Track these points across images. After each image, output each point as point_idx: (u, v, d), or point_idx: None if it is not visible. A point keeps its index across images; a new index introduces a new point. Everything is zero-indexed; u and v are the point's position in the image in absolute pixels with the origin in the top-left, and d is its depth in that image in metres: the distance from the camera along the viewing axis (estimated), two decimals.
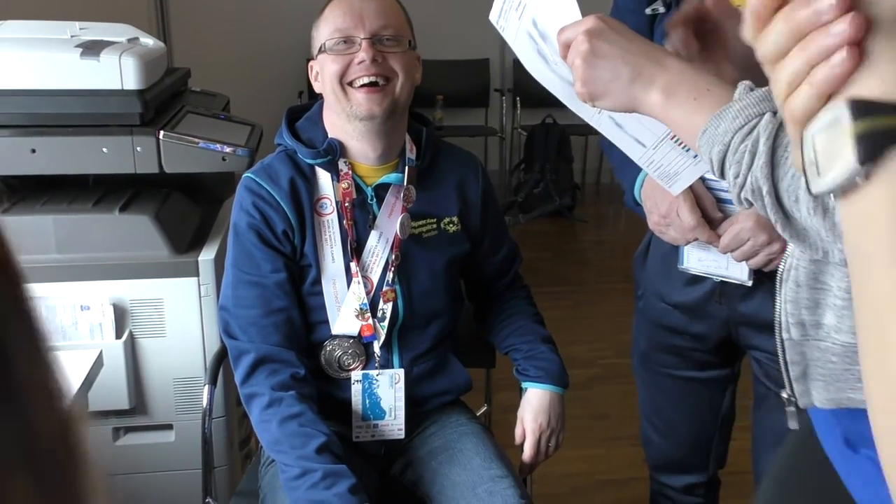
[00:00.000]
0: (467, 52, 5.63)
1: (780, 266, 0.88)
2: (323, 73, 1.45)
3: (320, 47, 1.44)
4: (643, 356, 1.63)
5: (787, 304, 0.87)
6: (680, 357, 1.56)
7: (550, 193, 5.25)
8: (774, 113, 0.75)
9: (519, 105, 5.58)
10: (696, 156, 0.98)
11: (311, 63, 1.49)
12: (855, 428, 0.87)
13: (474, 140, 5.50)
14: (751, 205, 0.79)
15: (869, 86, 0.43)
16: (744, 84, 0.80)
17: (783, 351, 0.88)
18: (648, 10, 1.40)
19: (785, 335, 0.88)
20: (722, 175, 0.80)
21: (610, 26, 0.88)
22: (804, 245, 0.77)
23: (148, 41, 2.02)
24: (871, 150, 0.41)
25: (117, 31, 2.02)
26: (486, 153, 5.78)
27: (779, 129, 0.74)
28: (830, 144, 0.43)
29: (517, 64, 5.14)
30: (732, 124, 0.77)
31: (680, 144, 1.00)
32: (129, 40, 1.95)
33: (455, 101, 5.54)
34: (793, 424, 0.95)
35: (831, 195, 0.44)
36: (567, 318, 3.59)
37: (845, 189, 0.43)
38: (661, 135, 1.00)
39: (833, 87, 0.44)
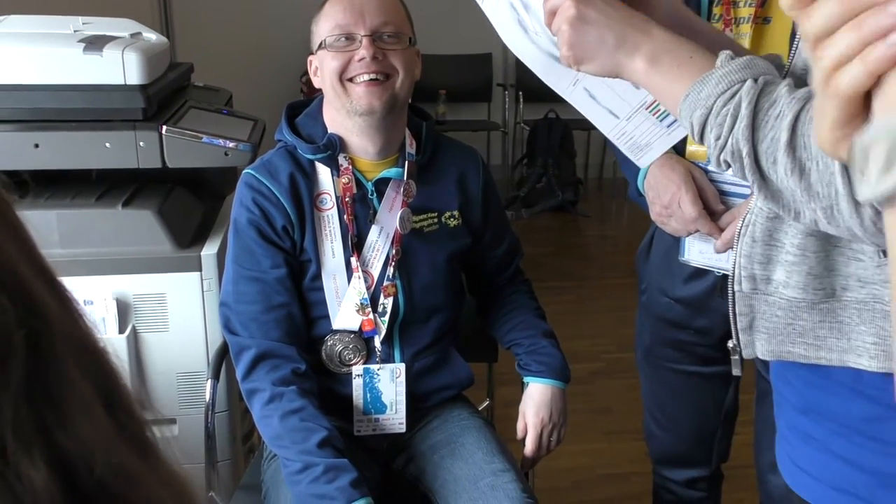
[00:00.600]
0: (470, 47, 5.62)
1: (739, 222, 0.91)
2: (323, 69, 1.45)
3: (320, 43, 1.44)
4: (647, 351, 1.64)
5: (741, 258, 0.91)
6: (683, 352, 1.56)
7: (553, 188, 5.25)
8: (755, 80, 0.78)
9: (521, 100, 5.57)
10: (669, 125, 1.00)
11: (310, 58, 1.49)
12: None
13: (477, 135, 5.50)
14: (728, 166, 0.81)
15: None
16: (725, 53, 0.82)
17: (733, 302, 0.93)
18: None
19: (736, 287, 0.92)
20: (701, 139, 0.82)
21: None
22: (778, 205, 0.80)
23: (151, 36, 2.02)
24: None
25: (120, 26, 2.02)
26: (489, 148, 5.78)
27: (760, 94, 0.77)
28: (885, 153, 0.42)
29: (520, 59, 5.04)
30: (715, 89, 0.79)
31: (654, 114, 1.01)
32: (133, 35, 1.95)
33: (458, 96, 5.53)
34: (736, 371, 1.00)
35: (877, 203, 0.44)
36: (570, 312, 3.60)
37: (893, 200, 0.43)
38: (636, 104, 1.00)
39: (887, 66, 0.45)
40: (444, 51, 5.50)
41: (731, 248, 1.29)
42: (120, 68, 1.72)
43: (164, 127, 1.75)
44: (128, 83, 1.73)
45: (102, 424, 0.39)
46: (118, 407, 0.42)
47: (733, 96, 0.78)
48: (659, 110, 1.00)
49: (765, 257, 0.89)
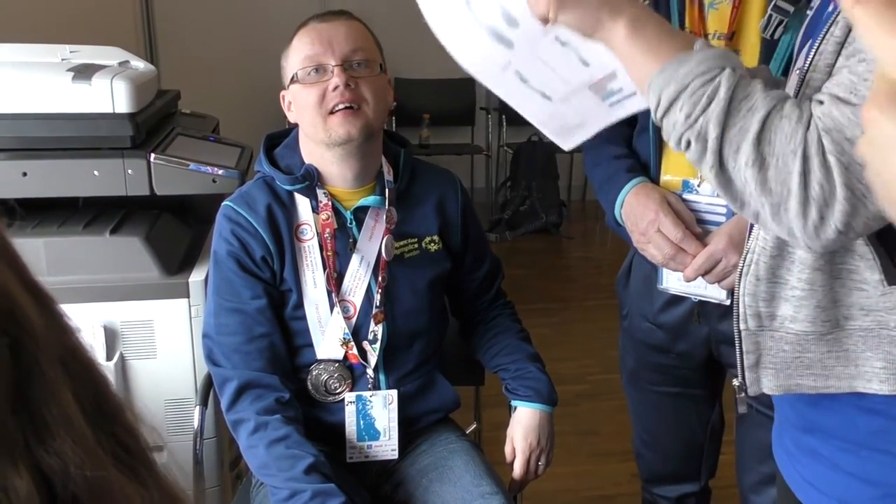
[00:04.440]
0: (452, 72, 5.60)
1: (741, 262, 0.93)
2: (298, 103, 1.46)
3: (292, 77, 1.45)
4: (631, 374, 1.66)
5: (745, 296, 0.93)
6: (666, 374, 1.59)
7: (537, 210, 5.29)
8: (734, 69, 0.81)
9: (504, 123, 5.62)
10: (611, 104, 0.97)
11: (282, 93, 1.50)
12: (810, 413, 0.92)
13: (461, 158, 5.53)
14: (687, 147, 0.83)
15: None
16: (700, 40, 0.86)
17: (739, 341, 0.93)
18: None
19: (742, 326, 0.94)
20: (665, 114, 0.83)
21: None
22: (726, 194, 0.83)
23: (139, 64, 2.04)
24: None
25: (108, 55, 2.04)
26: (473, 171, 5.82)
27: (737, 85, 0.80)
28: None
29: None
30: (696, 69, 0.81)
31: (598, 92, 0.97)
32: (121, 63, 1.96)
33: (441, 120, 5.57)
34: (742, 409, 1.02)
35: None
36: (555, 334, 3.61)
37: None
38: (578, 84, 0.96)
39: None
40: (428, 76, 5.54)
41: (702, 275, 1.32)
42: (109, 97, 1.74)
43: (153, 154, 1.76)
44: (116, 111, 1.75)
45: (83, 438, 0.39)
46: (105, 418, 0.43)
47: (712, 80, 0.80)
48: (605, 89, 0.96)
49: (769, 294, 0.90)
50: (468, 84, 5.80)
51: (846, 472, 0.89)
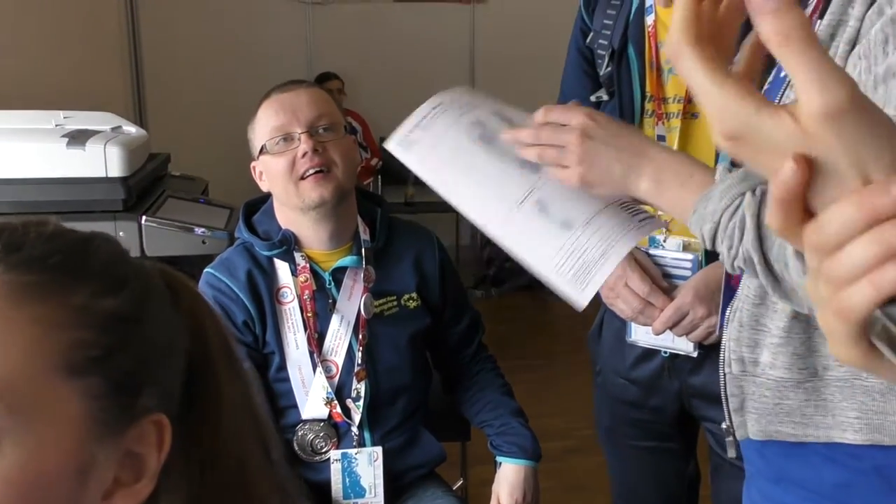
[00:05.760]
0: None
1: (728, 308, 0.97)
2: (269, 172, 1.50)
3: (261, 148, 1.50)
4: (607, 430, 1.68)
5: (730, 342, 0.96)
6: (642, 429, 1.60)
7: (521, 267, 5.33)
8: (753, 191, 0.84)
9: None
10: (641, 220, 0.98)
11: (253, 164, 1.55)
12: (782, 463, 0.95)
13: (446, 215, 5.59)
14: (743, 271, 0.87)
15: None
16: (721, 166, 0.89)
17: (724, 385, 0.97)
18: (593, 98, 1.49)
19: (727, 369, 0.97)
20: (713, 247, 0.88)
21: (598, 123, 0.96)
22: (793, 303, 0.85)
23: (131, 129, 2.10)
24: None
25: (101, 120, 2.09)
26: (458, 228, 5.88)
27: (760, 205, 0.83)
28: None
29: None
30: (719, 204, 0.86)
31: (626, 210, 0.97)
32: (113, 129, 2.02)
33: None
34: (731, 453, 1.04)
35: None
36: (541, 390, 3.63)
37: None
38: (607, 201, 0.96)
39: None
40: None
41: (671, 328, 1.36)
42: (102, 162, 1.79)
43: (144, 217, 1.81)
44: (109, 175, 1.80)
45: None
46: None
47: (736, 210, 0.84)
48: (635, 205, 0.97)
49: (752, 341, 0.94)
50: None
51: None
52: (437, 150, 1.00)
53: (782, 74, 0.92)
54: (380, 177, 5.55)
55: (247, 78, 5.55)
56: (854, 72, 0.80)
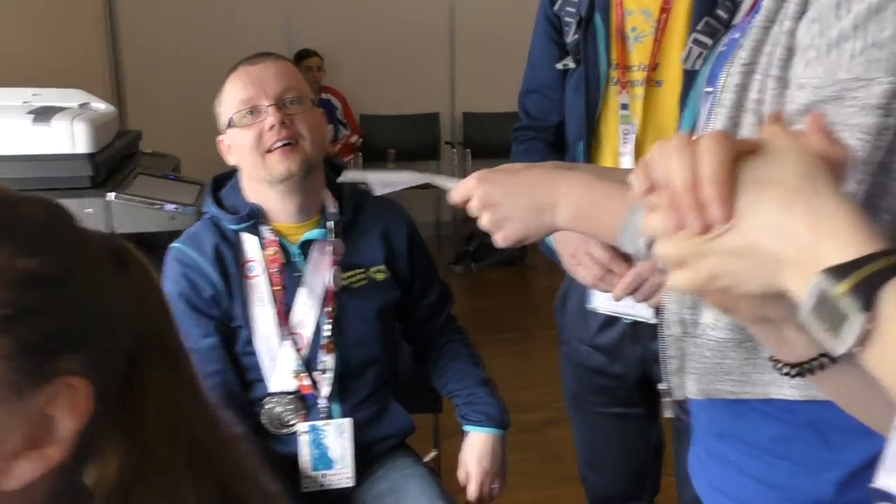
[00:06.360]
0: (417, 107, 5.77)
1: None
2: (236, 145, 1.50)
3: (228, 122, 1.50)
4: (573, 397, 1.71)
5: (671, 304, 0.98)
6: (606, 396, 1.64)
7: None
8: None
9: (470, 157, 5.71)
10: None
11: (219, 138, 1.54)
12: (724, 419, 0.97)
13: (427, 192, 5.57)
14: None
15: (830, 255, 0.48)
16: (636, 171, 0.90)
17: (664, 347, 0.98)
18: (559, 66, 1.51)
19: (667, 332, 0.99)
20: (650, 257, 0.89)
21: (493, 183, 0.94)
22: None
23: (100, 105, 2.09)
24: (867, 295, 0.46)
25: (69, 97, 2.08)
26: (440, 204, 5.89)
27: None
28: (831, 314, 0.47)
29: (467, 117, 5.32)
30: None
31: None
32: (81, 105, 2.01)
33: (407, 155, 5.65)
34: (668, 413, 1.07)
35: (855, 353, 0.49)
36: (520, 363, 3.66)
37: (864, 340, 0.47)
38: None
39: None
40: (392, 111, 5.64)
41: (631, 294, 1.38)
42: (69, 138, 1.79)
43: (112, 194, 1.81)
44: (76, 152, 1.79)
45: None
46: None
47: None
48: None
49: (693, 302, 0.95)
50: (432, 119, 5.91)
51: (750, 477, 0.95)
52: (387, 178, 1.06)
53: (736, 36, 0.93)
54: (360, 154, 5.56)
55: (226, 55, 5.48)
56: (806, 35, 0.82)
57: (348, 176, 1.13)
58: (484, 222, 0.95)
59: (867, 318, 0.46)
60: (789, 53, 0.83)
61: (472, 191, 0.94)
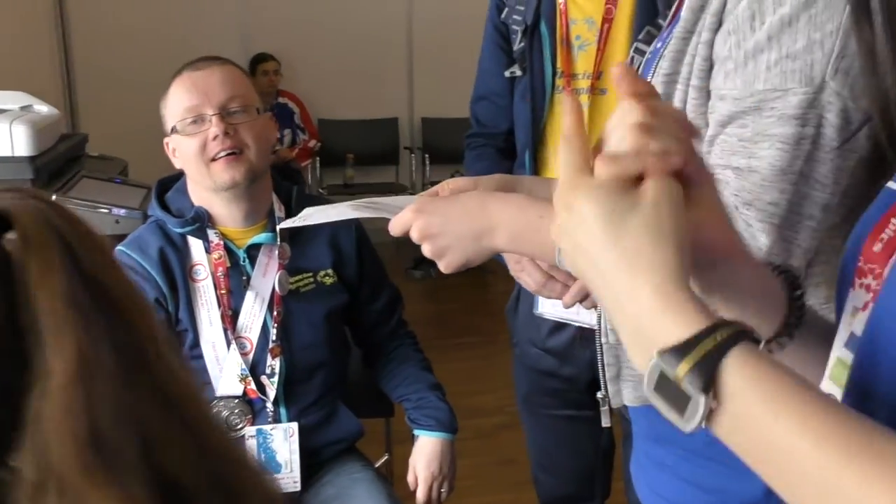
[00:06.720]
0: (376, 112, 5.76)
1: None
2: (181, 152, 1.49)
3: (172, 128, 1.49)
4: (524, 399, 1.72)
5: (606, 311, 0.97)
6: (557, 398, 1.64)
7: None
8: None
9: (428, 162, 5.72)
10: None
11: (165, 140, 1.53)
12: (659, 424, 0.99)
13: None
14: None
15: (666, 335, 0.48)
16: None
17: (601, 354, 0.99)
18: (507, 73, 1.52)
19: (603, 339, 0.99)
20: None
21: (430, 213, 0.93)
22: None
23: (42, 108, 2.05)
24: (706, 376, 0.46)
25: (11, 99, 2.04)
26: None
27: None
28: (673, 394, 0.48)
29: (426, 122, 5.32)
30: None
31: None
32: (23, 108, 1.98)
33: (365, 160, 5.64)
34: (605, 422, 1.08)
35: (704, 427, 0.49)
36: (479, 367, 3.67)
37: (710, 418, 0.48)
38: None
39: None
40: (351, 116, 5.62)
41: (580, 301, 1.39)
42: (8, 141, 1.75)
43: (54, 196, 1.77)
44: (16, 154, 1.76)
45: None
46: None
47: None
48: None
49: None
50: (391, 124, 5.90)
51: (685, 480, 0.96)
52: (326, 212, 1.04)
53: (658, 45, 0.94)
54: (318, 159, 5.53)
55: (180, 59, 5.42)
56: (724, 47, 0.83)
57: (287, 223, 1.10)
58: (426, 252, 0.94)
59: (709, 397, 0.47)
60: (708, 64, 0.85)
61: (410, 223, 0.93)
